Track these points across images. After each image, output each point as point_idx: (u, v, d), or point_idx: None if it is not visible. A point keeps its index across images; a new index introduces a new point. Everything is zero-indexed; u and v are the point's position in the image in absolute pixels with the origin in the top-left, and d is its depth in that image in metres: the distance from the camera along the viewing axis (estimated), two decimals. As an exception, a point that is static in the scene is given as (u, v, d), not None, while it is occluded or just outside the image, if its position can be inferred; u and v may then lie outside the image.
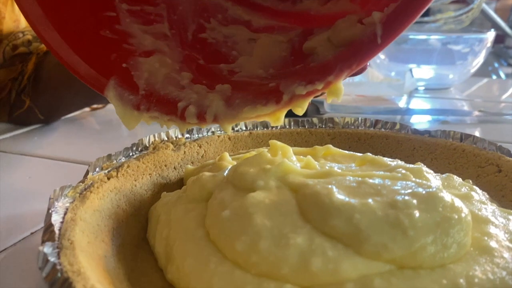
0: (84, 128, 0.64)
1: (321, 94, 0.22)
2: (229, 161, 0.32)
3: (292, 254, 0.21)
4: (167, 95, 0.25)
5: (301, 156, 0.31)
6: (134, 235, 0.29)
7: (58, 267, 0.20)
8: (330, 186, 0.24)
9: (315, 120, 0.43)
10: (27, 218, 0.35)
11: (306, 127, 0.42)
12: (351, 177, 0.26)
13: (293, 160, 0.28)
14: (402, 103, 0.73)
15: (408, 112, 0.67)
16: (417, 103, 0.75)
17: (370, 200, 0.23)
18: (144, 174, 0.33)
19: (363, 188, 0.24)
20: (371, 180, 0.25)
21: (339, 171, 0.27)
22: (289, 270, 0.21)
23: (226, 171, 0.29)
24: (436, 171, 0.32)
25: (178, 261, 0.24)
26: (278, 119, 0.22)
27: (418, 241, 0.21)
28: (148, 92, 0.25)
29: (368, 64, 0.25)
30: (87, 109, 0.69)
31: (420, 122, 0.64)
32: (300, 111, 0.21)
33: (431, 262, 0.22)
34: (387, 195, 0.24)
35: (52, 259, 0.20)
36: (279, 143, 0.30)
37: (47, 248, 0.21)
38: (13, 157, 0.50)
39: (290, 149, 0.29)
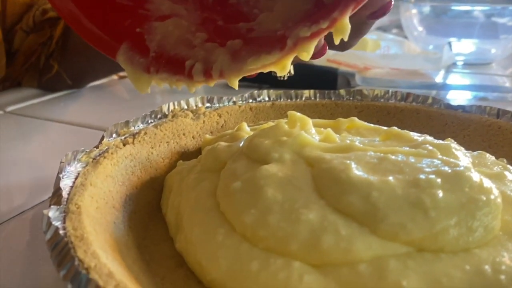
0: (112, 95, 0.64)
1: (326, 38, 0.20)
2: (246, 132, 0.31)
3: (302, 230, 0.20)
4: (177, 55, 0.24)
5: (323, 129, 0.30)
6: (148, 202, 0.29)
7: (61, 231, 0.19)
8: (348, 162, 0.22)
9: (342, 92, 0.41)
10: (47, 182, 0.36)
11: (333, 99, 0.40)
12: (372, 153, 0.24)
13: (311, 133, 0.27)
14: (439, 78, 0.69)
15: (444, 87, 0.64)
16: (455, 79, 0.71)
17: (390, 178, 0.21)
18: (161, 142, 0.32)
19: (384, 164, 0.23)
20: (393, 157, 0.24)
21: (360, 145, 0.25)
22: (298, 247, 0.20)
23: (242, 142, 0.28)
24: (468, 148, 0.30)
25: (187, 230, 0.23)
26: (284, 67, 0.21)
27: (440, 222, 0.20)
28: (159, 53, 0.24)
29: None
30: (115, 77, 0.69)
31: (457, 98, 0.60)
32: (305, 55, 0.20)
33: (454, 245, 0.20)
34: (410, 173, 0.22)
35: (56, 223, 0.20)
36: (298, 114, 0.28)
37: (52, 212, 0.20)
38: (39, 123, 0.51)
39: (309, 121, 0.28)
